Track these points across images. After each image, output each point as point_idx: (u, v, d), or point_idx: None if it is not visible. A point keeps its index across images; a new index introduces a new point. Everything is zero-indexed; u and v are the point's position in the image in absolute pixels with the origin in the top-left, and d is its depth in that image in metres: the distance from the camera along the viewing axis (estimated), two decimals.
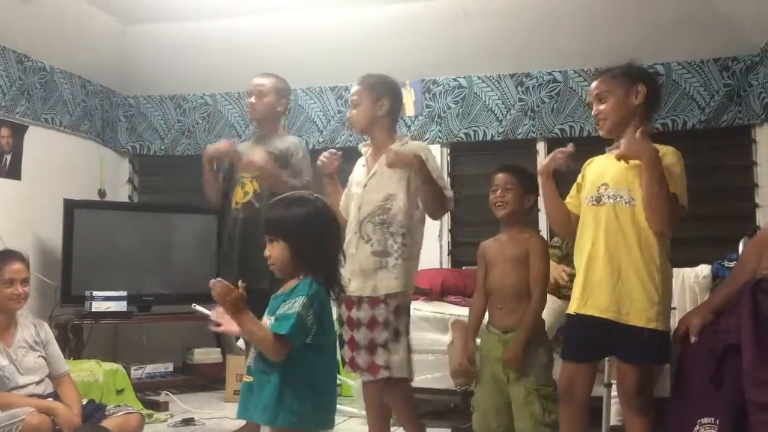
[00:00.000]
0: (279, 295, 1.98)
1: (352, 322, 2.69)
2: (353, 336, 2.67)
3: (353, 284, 2.68)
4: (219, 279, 1.88)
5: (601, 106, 2.33)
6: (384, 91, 2.81)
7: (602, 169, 2.35)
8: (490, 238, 2.80)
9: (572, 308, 2.30)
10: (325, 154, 2.87)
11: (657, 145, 2.29)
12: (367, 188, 2.75)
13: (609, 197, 2.27)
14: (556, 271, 3.33)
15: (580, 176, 2.49)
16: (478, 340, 2.76)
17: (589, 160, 2.49)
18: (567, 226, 2.43)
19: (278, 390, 1.86)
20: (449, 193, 2.74)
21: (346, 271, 2.70)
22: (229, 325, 1.98)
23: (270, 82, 3.36)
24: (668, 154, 2.26)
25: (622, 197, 2.24)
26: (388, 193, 2.68)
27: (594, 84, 2.39)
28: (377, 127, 2.81)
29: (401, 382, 2.68)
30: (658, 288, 2.20)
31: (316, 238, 1.97)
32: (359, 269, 2.67)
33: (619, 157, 2.19)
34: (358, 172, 2.87)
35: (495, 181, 2.73)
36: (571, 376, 2.34)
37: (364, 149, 2.92)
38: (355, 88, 2.84)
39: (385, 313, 2.62)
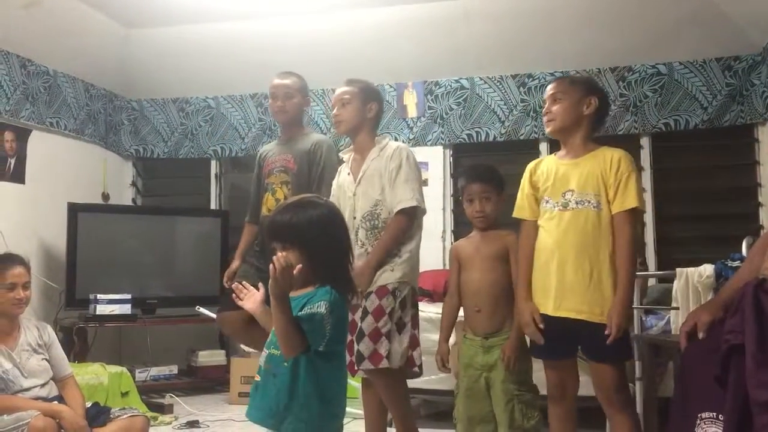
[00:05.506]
0: (293, 298, 1.84)
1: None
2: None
3: None
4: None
5: (554, 107, 2.39)
6: (374, 96, 2.91)
7: (563, 174, 2.38)
8: (463, 239, 2.76)
9: (544, 309, 2.32)
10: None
11: (608, 149, 2.36)
12: (356, 196, 2.81)
13: (576, 202, 2.31)
14: None
15: (527, 180, 2.48)
16: (452, 341, 2.73)
17: (534, 162, 2.50)
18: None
19: (287, 395, 1.80)
20: (408, 204, 2.68)
21: None
22: (248, 301, 1.94)
23: (293, 81, 3.30)
24: (623, 161, 2.30)
25: (589, 202, 2.30)
26: (376, 199, 2.75)
27: (552, 85, 2.45)
28: (363, 129, 2.87)
29: (398, 375, 2.67)
30: None
31: (332, 242, 1.87)
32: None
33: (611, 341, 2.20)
34: (345, 180, 2.89)
35: (470, 191, 2.64)
36: (560, 376, 2.38)
37: (346, 155, 2.95)
38: (345, 89, 2.88)
39: (392, 303, 2.64)
